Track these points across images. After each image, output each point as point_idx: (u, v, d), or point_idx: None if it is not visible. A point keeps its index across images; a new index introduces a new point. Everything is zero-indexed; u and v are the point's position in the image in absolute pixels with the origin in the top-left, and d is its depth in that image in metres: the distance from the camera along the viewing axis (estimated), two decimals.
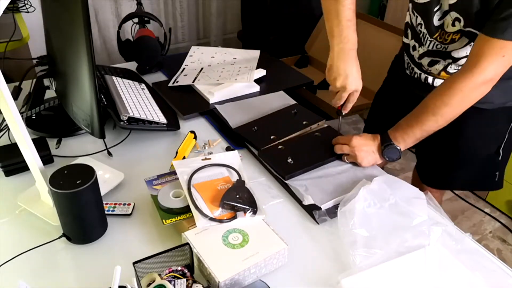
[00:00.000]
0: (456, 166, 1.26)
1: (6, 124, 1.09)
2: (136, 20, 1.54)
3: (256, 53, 1.63)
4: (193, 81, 1.40)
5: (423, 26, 1.12)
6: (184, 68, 1.51)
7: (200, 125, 1.24)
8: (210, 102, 1.32)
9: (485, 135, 1.20)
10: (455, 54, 1.10)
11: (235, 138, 1.17)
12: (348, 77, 1.06)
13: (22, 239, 0.85)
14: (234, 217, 0.85)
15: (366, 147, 1.06)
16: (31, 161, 0.84)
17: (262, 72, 1.47)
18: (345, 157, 1.07)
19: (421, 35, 1.15)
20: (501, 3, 0.92)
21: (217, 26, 2.99)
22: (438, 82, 1.17)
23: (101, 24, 2.60)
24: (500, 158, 1.23)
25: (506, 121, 1.19)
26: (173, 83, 1.40)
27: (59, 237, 0.84)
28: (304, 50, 2.74)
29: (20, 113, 0.91)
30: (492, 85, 0.98)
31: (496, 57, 0.93)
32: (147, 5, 2.61)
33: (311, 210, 0.94)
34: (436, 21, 1.08)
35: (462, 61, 1.09)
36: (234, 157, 1.02)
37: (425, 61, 1.17)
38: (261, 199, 0.91)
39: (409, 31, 1.21)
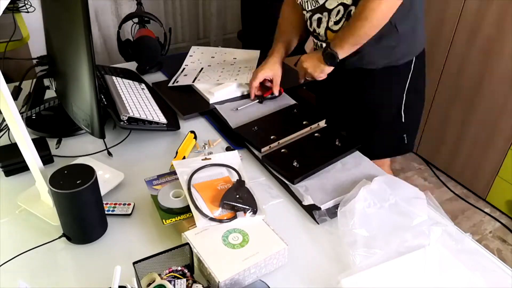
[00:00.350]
0: (371, 135, 1.37)
1: (6, 124, 1.09)
2: (136, 20, 1.54)
3: (256, 53, 1.63)
4: (193, 81, 1.40)
5: None
6: (184, 68, 1.51)
7: (200, 125, 1.24)
8: (210, 102, 1.32)
9: (381, 98, 1.32)
10: (328, 5, 1.21)
11: (235, 138, 1.17)
12: (316, 70, 1.27)
13: (22, 239, 0.85)
14: (234, 217, 0.85)
15: (311, 59, 1.26)
16: (31, 161, 0.84)
17: None
18: (302, 79, 1.31)
19: (301, 3, 1.30)
20: None
21: (217, 26, 2.99)
22: None
23: (101, 24, 2.60)
24: (403, 120, 1.33)
25: (398, 82, 1.30)
26: (173, 83, 1.40)
27: (59, 237, 0.84)
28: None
29: (20, 113, 0.91)
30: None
31: None
32: (147, 5, 2.61)
33: (311, 210, 0.94)
34: None
35: (334, 12, 1.21)
36: (234, 157, 1.02)
37: (314, 24, 1.29)
38: (261, 199, 0.91)
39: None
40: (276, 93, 1.33)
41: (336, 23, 1.23)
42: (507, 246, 2.03)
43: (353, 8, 1.17)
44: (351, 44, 1.19)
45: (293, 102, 1.35)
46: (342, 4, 1.18)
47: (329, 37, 1.27)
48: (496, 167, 2.15)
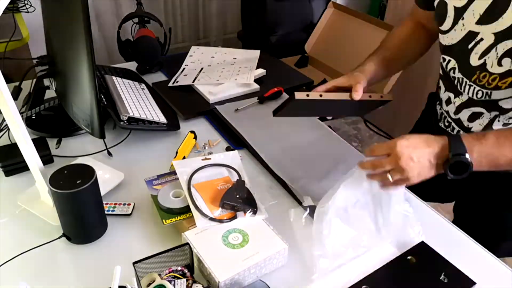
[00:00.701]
0: (500, 238, 1.04)
1: (6, 124, 1.09)
2: (136, 20, 1.54)
3: (256, 53, 1.63)
4: (193, 81, 1.40)
5: (457, 70, 0.90)
6: (184, 68, 1.51)
7: (200, 125, 1.24)
8: (210, 102, 1.32)
9: None
10: (504, 104, 0.84)
11: (235, 138, 1.17)
12: (421, 175, 0.77)
13: (22, 239, 0.85)
14: (234, 217, 0.85)
15: (418, 153, 0.74)
16: (31, 161, 0.84)
17: (262, 72, 1.48)
18: (387, 175, 0.76)
19: (455, 81, 0.91)
20: None
21: (217, 26, 2.99)
22: None
23: (101, 24, 2.60)
24: None
25: None
26: (173, 83, 1.40)
27: (59, 237, 0.84)
28: (304, 50, 2.73)
29: (20, 113, 0.91)
30: None
31: None
32: (147, 5, 2.60)
33: (311, 210, 0.94)
34: (474, 60, 0.84)
35: None
36: (234, 157, 1.02)
37: (464, 115, 0.93)
38: (261, 199, 0.91)
39: (441, 84, 1.00)
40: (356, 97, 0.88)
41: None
42: None
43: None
44: (491, 167, 0.76)
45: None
46: None
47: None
48: None
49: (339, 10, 2.65)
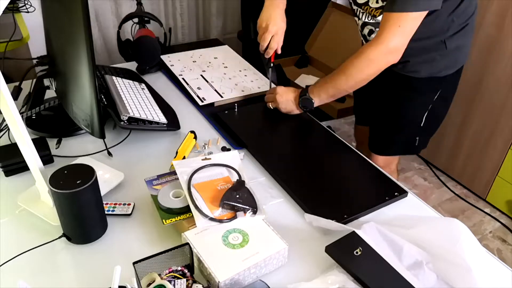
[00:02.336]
0: (391, 133, 1.40)
1: (6, 124, 1.09)
2: (136, 20, 1.54)
3: (226, 48, 1.70)
4: (220, 95, 1.38)
5: (353, 4, 1.28)
6: (183, 79, 1.47)
7: (200, 125, 1.24)
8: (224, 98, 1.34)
9: (414, 103, 1.33)
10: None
11: (235, 138, 1.17)
12: (270, 19, 1.24)
13: (22, 239, 0.85)
14: (234, 217, 0.85)
15: (286, 95, 1.24)
16: (31, 161, 0.84)
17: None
18: (270, 104, 1.26)
19: (356, 11, 1.29)
20: None
21: (217, 26, 2.99)
22: None
23: (101, 24, 2.60)
24: (421, 125, 1.35)
25: (431, 91, 1.31)
26: (202, 101, 1.34)
27: (59, 237, 0.84)
28: (304, 50, 2.73)
29: (20, 113, 0.91)
30: (398, 54, 1.11)
31: (393, 28, 1.06)
32: (147, 5, 2.60)
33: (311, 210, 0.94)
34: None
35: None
36: (234, 157, 1.01)
37: (366, 31, 1.30)
38: (261, 199, 0.91)
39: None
40: (279, 51, 1.30)
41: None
42: (507, 246, 2.03)
43: None
44: (329, 96, 1.20)
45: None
46: None
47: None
48: (496, 167, 2.15)
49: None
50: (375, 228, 0.85)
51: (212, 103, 1.33)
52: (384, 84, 1.33)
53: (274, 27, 1.25)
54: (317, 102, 1.21)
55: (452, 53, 1.24)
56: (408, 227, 0.87)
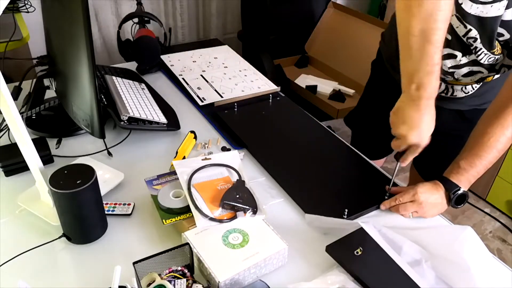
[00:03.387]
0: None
1: (6, 124, 1.09)
2: (136, 20, 1.54)
3: (226, 48, 1.70)
4: (219, 93, 1.39)
5: (478, 41, 0.94)
6: (183, 79, 1.47)
7: (200, 125, 1.24)
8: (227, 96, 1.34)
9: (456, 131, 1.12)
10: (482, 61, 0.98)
11: (236, 138, 1.17)
12: (413, 129, 0.87)
13: (22, 239, 0.85)
14: (234, 217, 0.85)
15: (433, 199, 0.94)
16: (31, 161, 0.84)
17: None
18: (409, 215, 0.95)
19: (472, 47, 0.97)
20: None
21: (217, 26, 2.99)
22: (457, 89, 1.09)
23: (101, 24, 2.60)
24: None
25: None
26: (202, 102, 1.34)
27: (59, 237, 0.84)
28: (304, 50, 2.74)
29: (20, 113, 0.91)
30: None
31: None
32: (147, 5, 2.60)
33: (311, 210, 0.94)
34: (503, 35, 0.92)
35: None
36: (234, 157, 1.02)
37: (462, 71, 1.02)
38: (261, 199, 0.91)
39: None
40: (403, 163, 0.97)
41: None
42: (507, 246, 2.03)
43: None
44: (478, 176, 0.96)
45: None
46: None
47: (460, 83, 1.06)
48: (496, 167, 2.15)
49: (339, 10, 2.65)
50: (373, 228, 0.85)
51: (212, 103, 1.33)
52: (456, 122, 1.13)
53: (414, 140, 0.88)
54: (466, 185, 0.95)
55: None
56: (409, 228, 0.87)
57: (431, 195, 0.94)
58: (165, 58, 1.59)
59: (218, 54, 1.65)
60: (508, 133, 0.90)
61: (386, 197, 0.97)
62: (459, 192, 0.94)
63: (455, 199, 0.94)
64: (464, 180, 0.94)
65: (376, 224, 0.87)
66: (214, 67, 1.55)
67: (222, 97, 1.35)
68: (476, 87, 1.09)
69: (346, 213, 0.91)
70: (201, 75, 1.49)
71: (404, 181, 2.33)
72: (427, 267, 0.80)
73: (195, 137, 1.16)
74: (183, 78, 1.46)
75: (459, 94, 1.11)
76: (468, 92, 1.10)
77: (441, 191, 0.95)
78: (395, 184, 1.00)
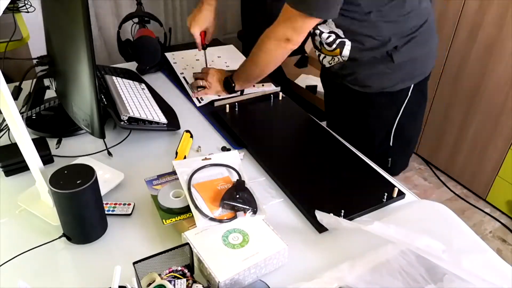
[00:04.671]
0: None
1: (6, 124, 1.09)
2: (136, 20, 1.54)
3: (231, 47, 1.71)
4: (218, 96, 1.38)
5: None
6: (184, 77, 1.47)
7: (200, 125, 1.24)
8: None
9: (374, 120, 1.31)
10: (321, 27, 1.21)
11: (235, 138, 1.17)
12: (193, 19, 1.39)
13: (22, 239, 0.85)
14: (234, 217, 0.85)
15: (217, 76, 1.34)
16: (31, 161, 0.84)
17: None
18: (200, 82, 1.35)
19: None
20: None
21: (217, 26, 2.99)
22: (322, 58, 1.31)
23: (101, 24, 2.60)
24: (391, 144, 1.32)
25: (391, 108, 1.28)
26: (199, 102, 1.35)
27: (59, 237, 0.84)
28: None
29: (20, 113, 0.91)
30: (291, 47, 1.15)
31: (285, 19, 1.12)
32: (147, 5, 2.60)
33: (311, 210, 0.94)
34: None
35: (325, 36, 1.22)
36: (234, 157, 1.02)
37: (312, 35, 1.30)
38: (261, 199, 0.91)
39: None
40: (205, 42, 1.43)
41: (329, 45, 1.23)
42: (507, 246, 2.03)
43: (345, 40, 1.18)
44: (244, 80, 1.30)
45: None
46: (333, 32, 1.19)
47: (323, 51, 1.28)
48: (496, 167, 2.15)
49: None
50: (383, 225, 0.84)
51: (212, 103, 1.33)
52: (346, 103, 1.35)
53: (195, 29, 1.41)
54: (237, 86, 1.31)
55: (403, 66, 1.19)
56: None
57: (217, 74, 1.35)
58: (169, 55, 1.59)
59: (222, 53, 1.65)
60: (255, 49, 1.21)
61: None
62: (228, 78, 1.32)
63: (225, 83, 1.33)
64: (236, 76, 1.31)
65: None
66: (216, 66, 1.54)
67: (219, 95, 1.35)
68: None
69: (342, 214, 0.91)
70: None
71: (404, 181, 2.34)
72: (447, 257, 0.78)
73: (192, 136, 1.16)
74: (183, 77, 1.46)
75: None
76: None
77: (224, 76, 1.34)
78: (391, 184, 1.01)
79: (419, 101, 1.32)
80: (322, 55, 1.30)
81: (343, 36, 1.18)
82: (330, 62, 1.29)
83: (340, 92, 1.35)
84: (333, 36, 1.20)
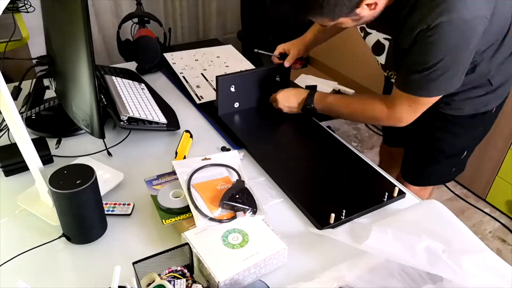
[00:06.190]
0: (428, 164, 1.35)
1: (6, 124, 1.09)
2: (136, 20, 1.54)
3: (230, 47, 1.71)
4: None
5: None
6: (184, 77, 1.48)
7: (200, 125, 1.24)
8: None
9: (457, 139, 1.28)
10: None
11: (235, 138, 1.17)
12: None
13: (22, 239, 0.85)
14: (234, 217, 0.85)
15: (292, 94, 1.26)
16: (31, 161, 0.84)
17: None
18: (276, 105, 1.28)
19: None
20: (405, 58, 1.01)
21: (217, 26, 3.00)
22: None
23: (101, 24, 2.60)
24: (462, 157, 1.34)
25: (476, 126, 1.27)
26: (199, 100, 1.35)
27: (59, 237, 0.84)
28: None
29: (20, 113, 0.91)
30: (404, 124, 1.11)
31: (403, 105, 1.07)
32: (147, 5, 2.61)
33: (310, 210, 0.94)
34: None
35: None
36: (234, 157, 1.02)
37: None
38: (261, 199, 0.91)
39: None
40: (286, 65, 1.36)
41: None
42: (507, 246, 2.03)
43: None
44: (332, 113, 1.23)
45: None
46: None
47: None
48: (496, 167, 2.15)
49: None
50: (384, 231, 0.83)
51: (212, 103, 1.33)
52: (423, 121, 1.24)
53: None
54: (318, 110, 1.23)
55: (499, 88, 1.18)
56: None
57: (287, 92, 1.27)
58: (168, 56, 1.59)
59: (221, 53, 1.66)
60: (362, 110, 1.16)
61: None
62: (311, 106, 1.22)
63: (305, 109, 1.23)
64: (320, 103, 1.21)
65: (375, 224, 0.87)
66: (215, 66, 1.55)
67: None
68: None
69: (342, 218, 0.91)
70: (202, 74, 1.49)
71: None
72: (447, 258, 0.78)
73: (191, 136, 1.16)
74: (183, 76, 1.47)
75: None
76: None
77: (301, 96, 1.24)
78: (391, 183, 1.01)
79: (495, 118, 1.30)
80: None
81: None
82: None
83: (426, 118, 1.20)
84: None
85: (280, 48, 1.41)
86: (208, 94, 1.37)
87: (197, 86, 1.41)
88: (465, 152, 1.33)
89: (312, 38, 1.41)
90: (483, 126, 1.28)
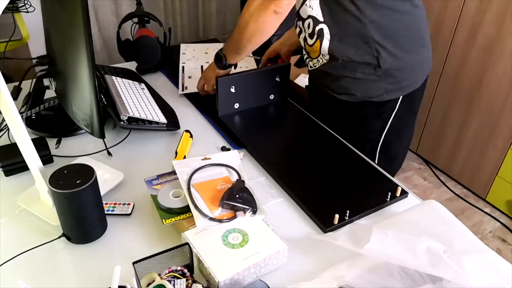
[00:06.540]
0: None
1: (6, 124, 1.09)
2: (136, 20, 1.54)
3: None
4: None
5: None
6: (183, 67, 1.50)
7: (200, 125, 1.24)
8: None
9: (358, 133, 1.24)
10: (301, 13, 1.19)
11: (235, 138, 1.17)
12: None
13: (22, 239, 0.85)
14: (234, 217, 0.85)
15: (205, 72, 1.30)
16: (31, 161, 0.84)
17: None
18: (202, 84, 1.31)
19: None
20: None
21: (217, 26, 3.00)
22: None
23: (101, 24, 2.60)
24: (376, 162, 1.25)
25: (376, 120, 1.22)
26: (183, 90, 1.37)
27: (59, 237, 0.84)
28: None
29: (20, 113, 0.91)
30: (279, 17, 1.09)
31: None
32: (147, 5, 2.61)
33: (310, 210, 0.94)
34: None
35: (306, 24, 1.18)
36: (234, 157, 1.02)
37: (297, 30, 1.27)
38: (261, 199, 0.91)
39: None
40: (287, 60, 1.40)
41: (310, 36, 1.18)
42: (507, 246, 2.03)
43: (324, 26, 1.12)
44: (233, 52, 1.20)
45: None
46: (311, 17, 1.14)
47: (307, 48, 1.23)
48: (496, 167, 2.15)
49: None
50: (384, 233, 0.83)
51: (196, 94, 1.34)
52: (331, 116, 1.27)
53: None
54: (229, 58, 1.21)
55: (391, 74, 1.13)
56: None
57: (204, 74, 1.31)
58: (183, 46, 1.66)
59: None
60: (241, 14, 1.12)
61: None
62: (218, 51, 1.22)
63: (215, 56, 1.23)
64: (224, 47, 1.22)
65: (375, 226, 0.87)
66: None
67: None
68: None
69: (345, 218, 0.91)
70: (202, 66, 1.50)
71: (404, 180, 2.34)
72: (448, 258, 0.78)
73: (191, 136, 1.16)
74: (183, 66, 1.49)
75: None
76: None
77: (211, 64, 1.27)
78: (393, 183, 1.01)
79: (408, 116, 1.25)
80: (308, 59, 1.27)
81: (321, 19, 1.12)
82: (314, 64, 1.25)
83: (325, 105, 1.28)
84: (311, 23, 1.14)
85: (270, 52, 1.42)
86: (194, 86, 1.38)
87: (189, 77, 1.43)
88: (377, 154, 1.28)
89: (292, 34, 1.40)
90: (388, 118, 1.23)
